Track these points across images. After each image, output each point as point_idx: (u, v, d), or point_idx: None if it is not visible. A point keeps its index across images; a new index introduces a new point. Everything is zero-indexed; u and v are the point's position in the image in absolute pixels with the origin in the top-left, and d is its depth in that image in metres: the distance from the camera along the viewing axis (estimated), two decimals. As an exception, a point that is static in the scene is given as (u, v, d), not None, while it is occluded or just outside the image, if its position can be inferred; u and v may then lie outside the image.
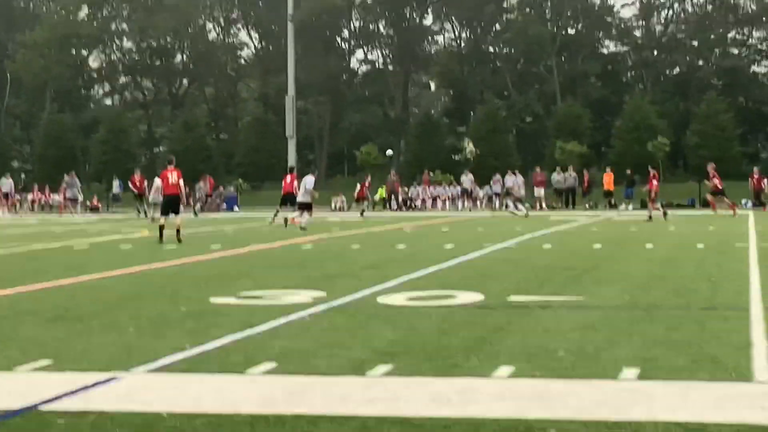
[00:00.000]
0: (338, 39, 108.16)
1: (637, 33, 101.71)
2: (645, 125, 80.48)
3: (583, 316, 13.05)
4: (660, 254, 23.15)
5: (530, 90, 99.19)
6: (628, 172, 64.45)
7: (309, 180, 36.92)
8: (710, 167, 49.80)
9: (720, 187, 49.02)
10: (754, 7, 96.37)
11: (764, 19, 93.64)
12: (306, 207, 36.49)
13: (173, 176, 29.81)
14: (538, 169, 67.48)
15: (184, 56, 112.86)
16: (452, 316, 13.17)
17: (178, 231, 29.09)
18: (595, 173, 71.48)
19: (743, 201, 61.83)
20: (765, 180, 55.18)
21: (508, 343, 10.97)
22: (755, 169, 53.95)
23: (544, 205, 62.74)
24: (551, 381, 8.92)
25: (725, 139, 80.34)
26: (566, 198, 64.86)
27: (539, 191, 64.41)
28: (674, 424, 7.34)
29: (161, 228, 29.41)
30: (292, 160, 76.22)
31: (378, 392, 8.57)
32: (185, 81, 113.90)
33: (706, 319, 12.66)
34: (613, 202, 62.17)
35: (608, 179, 62.96)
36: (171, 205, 29.78)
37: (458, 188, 67.63)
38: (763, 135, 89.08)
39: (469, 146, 77.58)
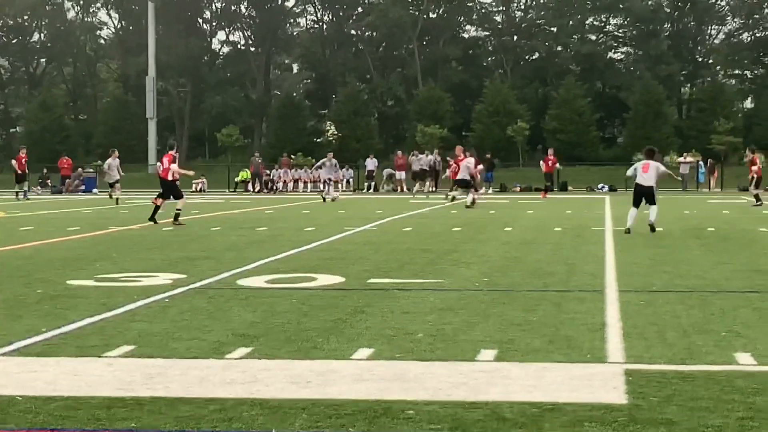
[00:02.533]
0: (199, 20, 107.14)
1: (498, 18, 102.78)
2: (505, 109, 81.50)
3: (441, 298, 13.18)
4: (518, 237, 23.48)
5: (392, 73, 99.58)
6: (488, 155, 65.18)
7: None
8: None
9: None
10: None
11: (621, 6, 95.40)
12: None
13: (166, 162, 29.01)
14: (399, 153, 67.79)
15: (42, 35, 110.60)
16: (312, 298, 13.19)
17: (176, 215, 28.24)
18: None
19: (600, 185, 63.04)
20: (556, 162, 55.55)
21: (367, 325, 11.02)
22: (550, 150, 54.92)
23: (405, 188, 63.03)
24: (410, 363, 9.00)
25: (583, 123, 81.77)
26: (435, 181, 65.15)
27: (400, 174, 64.73)
28: (530, 404, 7.46)
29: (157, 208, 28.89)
30: (152, 141, 75.43)
31: (237, 374, 8.55)
32: (43, 60, 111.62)
33: (562, 301, 12.89)
34: (477, 185, 62.77)
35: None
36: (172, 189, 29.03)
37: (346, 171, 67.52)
38: (619, 120, 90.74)
39: (331, 129, 77.60)
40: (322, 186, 49.36)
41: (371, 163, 66.32)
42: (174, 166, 28.83)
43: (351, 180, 67.98)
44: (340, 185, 66.04)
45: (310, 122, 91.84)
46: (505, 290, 13.98)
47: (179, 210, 28.27)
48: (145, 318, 11.58)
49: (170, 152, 29.20)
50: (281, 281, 14.96)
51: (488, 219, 31.22)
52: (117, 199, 44.33)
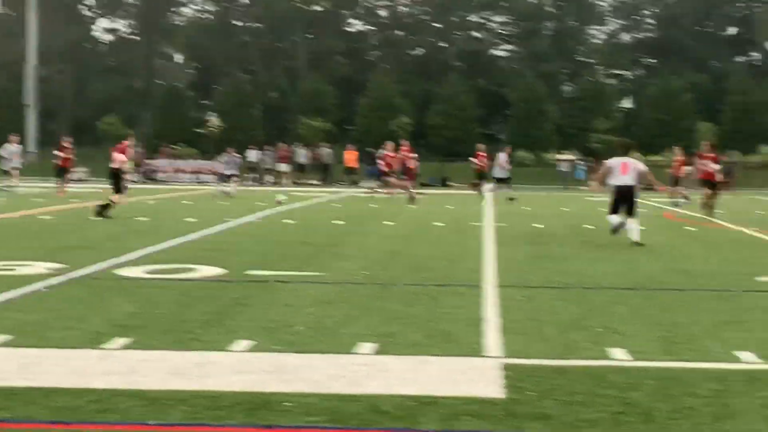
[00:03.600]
0: (81, 6, 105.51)
1: (383, 13, 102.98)
2: (388, 104, 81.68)
3: (322, 291, 13.19)
4: (399, 231, 23.57)
5: (276, 66, 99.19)
6: (371, 150, 65.33)
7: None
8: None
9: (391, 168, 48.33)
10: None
11: (504, 3, 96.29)
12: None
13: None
14: (283, 145, 67.58)
15: None
16: (192, 289, 13.10)
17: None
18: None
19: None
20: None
21: (247, 317, 10.99)
22: (481, 146, 54.78)
23: (288, 180, 62.81)
24: (289, 355, 9.00)
25: (466, 119, 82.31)
26: (324, 174, 65.01)
27: (283, 166, 64.53)
28: (408, 397, 7.51)
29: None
30: (31, 129, 74.07)
31: (114, 365, 8.46)
32: None
33: (441, 295, 12.99)
34: (355, 179, 62.92)
35: (350, 157, 63.65)
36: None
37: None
38: (501, 117, 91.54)
39: (214, 120, 77.05)
40: (223, 180, 48.36)
41: (254, 155, 65.94)
42: (120, 156, 27.45)
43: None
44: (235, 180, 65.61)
45: (193, 113, 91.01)
46: (386, 284, 14.03)
47: (113, 203, 27.06)
48: (20, 308, 11.39)
49: (124, 142, 28.29)
50: (161, 272, 14.83)
51: (370, 213, 31.28)
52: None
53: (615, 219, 20.54)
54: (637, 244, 19.98)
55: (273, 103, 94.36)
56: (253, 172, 65.31)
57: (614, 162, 21.05)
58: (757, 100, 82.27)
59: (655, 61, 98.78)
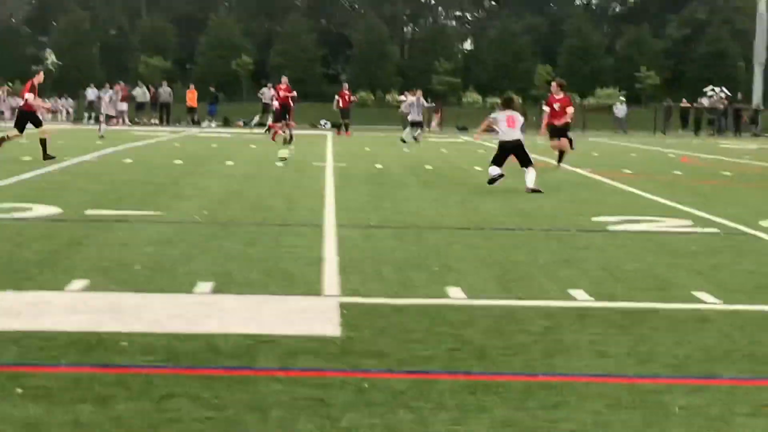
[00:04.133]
0: None
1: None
2: (229, 43, 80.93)
3: (160, 230, 13.08)
4: (240, 171, 23.46)
5: (116, 2, 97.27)
6: (212, 89, 64.78)
7: None
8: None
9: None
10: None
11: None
12: None
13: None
14: (121, 84, 66.46)
15: None
16: (27, 229, 12.86)
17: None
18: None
19: (322, 121, 63.44)
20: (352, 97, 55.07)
21: (83, 256, 10.84)
22: (345, 85, 54.55)
23: (127, 119, 61.77)
24: (126, 294, 8.90)
25: (308, 60, 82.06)
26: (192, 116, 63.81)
27: (123, 105, 63.43)
28: (245, 336, 7.51)
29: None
30: None
31: (-56, 307, 8.27)
32: None
33: (282, 235, 12.99)
34: (196, 118, 62.32)
35: (191, 96, 62.99)
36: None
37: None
38: (343, 58, 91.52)
39: (51, 57, 75.28)
40: (102, 119, 46.43)
41: (92, 94, 64.67)
42: (29, 96, 26.21)
43: (71, 110, 66.28)
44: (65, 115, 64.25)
45: (29, 49, 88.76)
46: (225, 223, 13.97)
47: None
48: None
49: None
50: (-6, 212, 14.50)
51: (210, 152, 31.05)
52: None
53: (495, 171, 20.04)
54: (534, 191, 19.49)
55: (112, 41, 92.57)
56: (91, 110, 64.08)
57: (500, 115, 20.64)
58: (593, 43, 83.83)
59: (495, 3, 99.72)
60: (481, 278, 10.15)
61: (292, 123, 38.69)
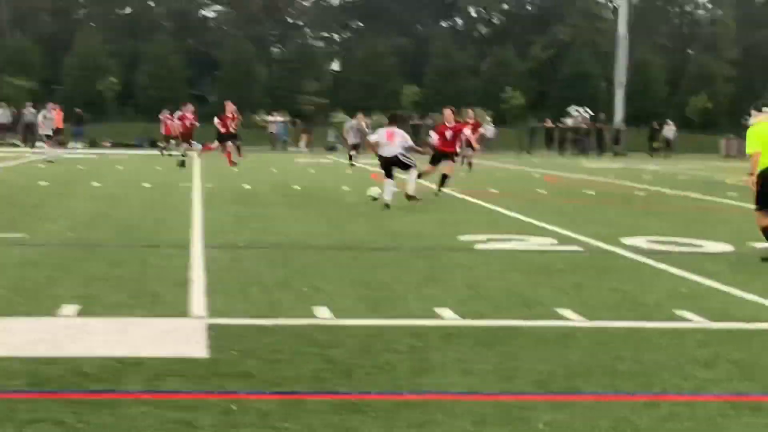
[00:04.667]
0: None
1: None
2: (95, 64, 79.88)
3: (24, 253, 12.88)
4: (107, 192, 23.19)
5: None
6: (78, 110, 63.91)
7: None
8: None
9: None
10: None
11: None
12: None
13: None
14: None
15: None
16: None
17: None
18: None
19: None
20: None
21: (-56, 281, 10.61)
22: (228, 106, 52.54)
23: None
24: (-12, 319, 8.75)
25: (174, 80, 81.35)
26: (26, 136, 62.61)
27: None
28: (111, 358, 7.43)
29: None
30: None
31: None
32: None
33: (149, 256, 12.88)
34: (62, 140, 61.37)
35: (57, 117, 61.97)
36: None
37: None
38: (210, 78, 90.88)
39: None
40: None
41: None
42: None
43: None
44: None
45: None
46: (91, 245, 13.80)
47: None
48: None
49: None
50: None
51: (77, 174, 30.62)
52: None
53: (378, 189, 20.88)
54: (411, 197, 20.81)
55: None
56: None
57: (381, 131, 21.57)
58: (459, 64, 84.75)
59: (362, 24, 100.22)
60: (348, 298, 10.20)
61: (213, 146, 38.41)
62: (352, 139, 41.92)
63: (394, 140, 21.03)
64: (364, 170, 36.66)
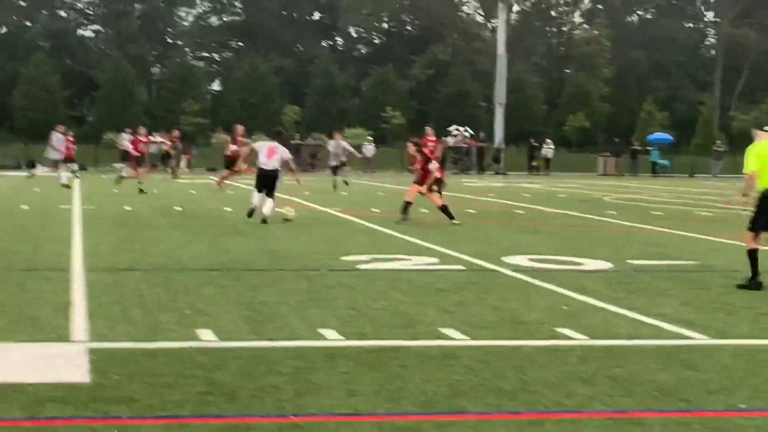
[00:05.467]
0: None
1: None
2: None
3: None
4: (-18, 215, 22.76)
5: None
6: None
7: None
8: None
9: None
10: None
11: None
12: None
13: None
14: None
15: None
16: None
17: None
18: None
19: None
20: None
21: None
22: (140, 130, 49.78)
23: None
24: None
25: (52, 101, 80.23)
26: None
27: None
28: (-10, 385, 7.30)
29: None
30: None
31: None
32: None
33: (27, 280, 12.67)
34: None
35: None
36: None
37: None
38: (89, 98, 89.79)
39: None
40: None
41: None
42: None
43: None
44: None
45: None
46: (-33, 270, 13.53)
47: None
48: None
49: None
50: None
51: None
52: None
53: (255, 198, 21.89)
54: (264, 221, 21.14)
55: None
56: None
57: (262, 145, 22.61)
58: (340, 84, 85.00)
59: (242, 44, 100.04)
60: (231, 320, 10.15)
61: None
62: (333, 161, 39.96)
63: (274, 156, 21.95)
64: (246, 190, 36.53)
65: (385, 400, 7.18)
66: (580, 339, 9.51)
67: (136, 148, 36.55)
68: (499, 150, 66.64)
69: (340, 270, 14.38)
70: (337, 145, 40.50)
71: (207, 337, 9.26)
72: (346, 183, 39.46)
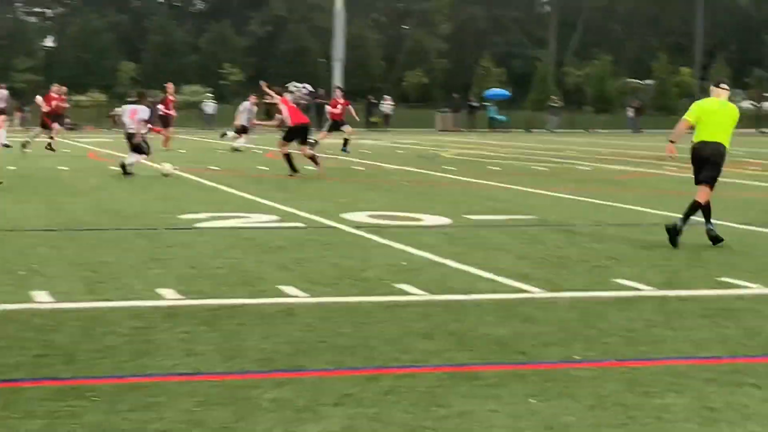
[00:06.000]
0: None
1: None
2: None
3: None
4: None
5: None
6: None
7: None
8: None
9: None
10: None
11: None
12: None
13: None
14: None
15: None
16: None
17: None
18: None
19: None
20: None
21: None
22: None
23: None
24: None
25: None
26: None
27: None
28: None
29: None
30: None
31: None
32: None
33: None
34: None
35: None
36: None
37: None
38: None
39: None
40: None
41: None
42: None
43: None
44: None
45: None
46: None
47: None
48: None
49: None
50: None
51: None
52: None
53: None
54: (124, 168, 22.50)
55: None
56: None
57: (125, 108, 23.60)
58: (177, 41, 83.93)
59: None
60: (68, 281, 9.99)
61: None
62: (242, 121, 38.03)
63: (135, 117, 22.87)
64: (83, 149, 35.94)
65: (224, 358, 7.16)
66: (419, 294, 9.61)
67: None
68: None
69: (179, 229, 14.27)
70: (250, 106, 38.59)
71: (43, 299, 9.10)
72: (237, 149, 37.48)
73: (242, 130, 37.03)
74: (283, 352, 7.36)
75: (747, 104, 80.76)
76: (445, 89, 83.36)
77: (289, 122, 23.76)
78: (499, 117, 67.77)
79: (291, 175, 23.28)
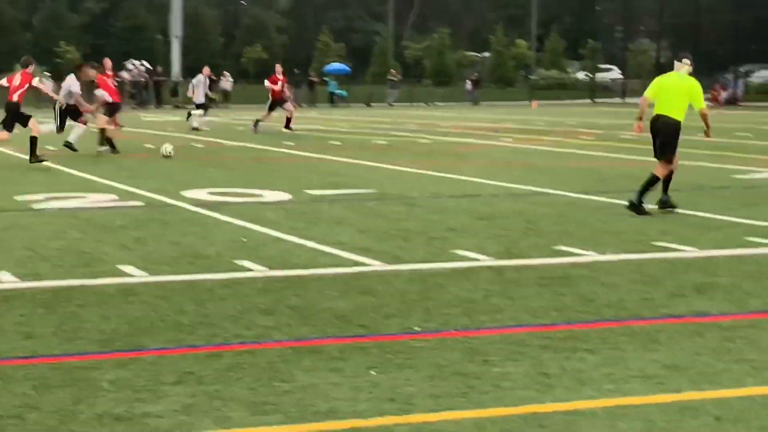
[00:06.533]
0: None
1: None
2: None
3: None
4: None
5: None
6: None
7: None
8: None
9: None
10: None
11: None
12: None
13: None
14: None
15: None
16: None
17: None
18: None
19: None
20: None
21: None
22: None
23: None
24: None
25: None
26: None
27: None
28: None
29: None
30: None
31: None
32: None
33: None
34: None
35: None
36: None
37: None
38: None
39: None
40: None
41: None
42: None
43: None
44: None
45: None
46: None
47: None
48: None
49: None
50: None
51: None
52: None
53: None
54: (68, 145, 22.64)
55: None
56: None
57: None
58: (8, 18, 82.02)
59: None
60: None
61: None
62: (200, 97, 36.16)
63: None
64: None
65: (62, 340, 7.06)
66: (259, 270, 9.60)
67: None
68: (176, 83, 65.90)
69: (14, 210, 14.00)
70: (204, 79, 36.94)
71: None
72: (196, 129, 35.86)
73: (202, 106, 36.15)
74: (122, 332, 7.29)
75: (582, 75, 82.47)
76: (285, 65, 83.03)
77: (109, 99, 24.41)
78: (339, 92, 67.80)
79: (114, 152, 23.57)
